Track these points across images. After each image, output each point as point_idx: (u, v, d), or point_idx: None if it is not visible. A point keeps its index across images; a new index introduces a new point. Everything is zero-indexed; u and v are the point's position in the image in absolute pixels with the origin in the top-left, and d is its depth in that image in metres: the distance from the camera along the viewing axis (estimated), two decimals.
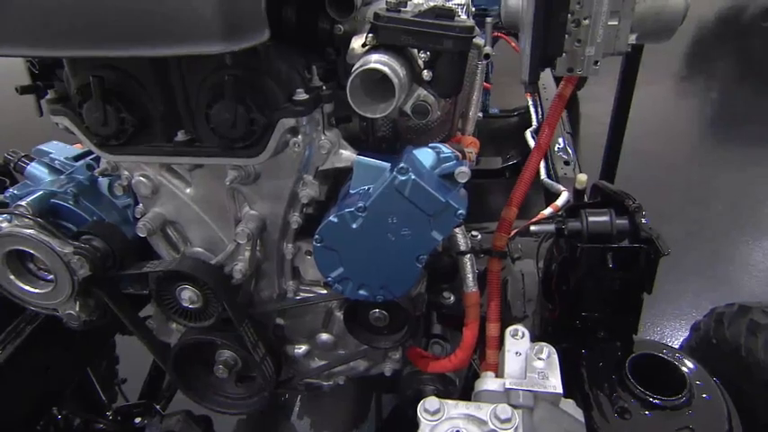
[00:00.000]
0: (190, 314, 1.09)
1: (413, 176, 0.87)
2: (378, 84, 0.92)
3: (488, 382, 0.92)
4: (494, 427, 0.81)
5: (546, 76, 2.83)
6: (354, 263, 0.96)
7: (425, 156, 0.93)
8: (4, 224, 1.05)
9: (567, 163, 2.09)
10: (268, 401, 1.18)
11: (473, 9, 1.25)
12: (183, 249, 1.13)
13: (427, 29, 0.93)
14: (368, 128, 1.20)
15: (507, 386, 0.89)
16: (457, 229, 1.24)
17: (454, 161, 0.95)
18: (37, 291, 1.08)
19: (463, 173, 0.91)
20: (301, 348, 1.24)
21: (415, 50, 0.98)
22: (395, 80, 0.91)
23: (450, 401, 0.86)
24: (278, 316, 1.21)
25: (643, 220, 0.99)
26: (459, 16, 0.98)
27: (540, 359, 0.92)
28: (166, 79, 0.93)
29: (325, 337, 1.22)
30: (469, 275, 1.23)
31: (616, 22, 1.01)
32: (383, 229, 0.91)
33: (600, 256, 1.01)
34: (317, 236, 0.95)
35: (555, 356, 0.93)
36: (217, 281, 1.05)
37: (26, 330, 1.31)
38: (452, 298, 1.34)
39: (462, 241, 1.24)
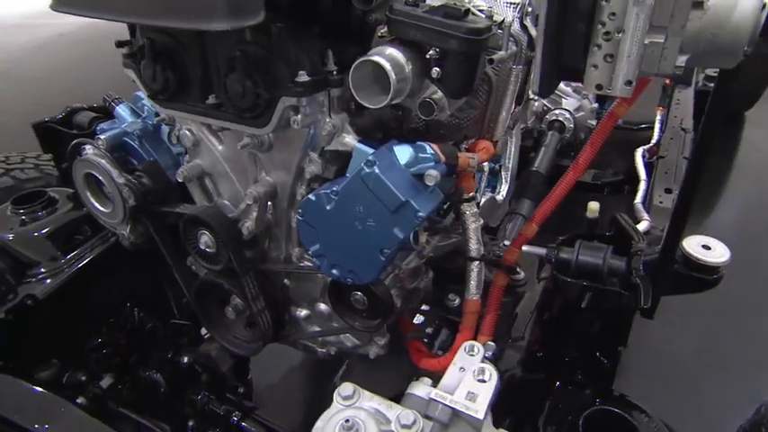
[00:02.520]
0: (206, 256, 1.24)
1: (376, 170, 0.88)
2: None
3: (418, 387, 0.92)
4: (393, 430, 0.82)
5: (687, 91, 2.49)
6: (328, 242, 1.01)
7: (403, 152, 0.94)
8: (90, 151, 1.29)
9: (668, 191, 1.85)
10: (259, 350, 1.30)
11: (529, 9, 1.17)
12: (216, 200, 1.28)
13: (433, 26, 0.92)
14: (401, 117, 1.22)
15: (431, 396, 0.88)
16: (472, 234, 1.22)
17: (432, 162, 0.94)
18: (103, 210, 1.32)
19: (431, 176, 0.90)
20: (302, 312, 1.34)
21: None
22: (392, 76, 0.93)
23: (367, 393, 0.88)
24: (285, 277, 1.31)
25: (640, 266, 0.87)
26: (478, 16, 0.95)
27: (478, 381, 0.90)
28: (203, 48, 1.05)
29: (322, 306, 1.29)
30: (473, 282, 1.21)
31: (661, 40, 0.89)
32: (352, 216, 0.95)
33: (578, 293, 0.91)
34: (299, 209, 1.02)
35: (494, 383, 0.89)
36: (226, 232, 1.17)
37: (111, 240, 1.60)
38: (457, 301, 1.32)
39: (474, 247, 1.21)
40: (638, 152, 2.16)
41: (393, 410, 0.85)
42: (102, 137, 1.28)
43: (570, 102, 2.40)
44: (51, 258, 1.57)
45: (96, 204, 1.33)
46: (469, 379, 0.90)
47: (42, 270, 1.55)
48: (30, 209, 1.59)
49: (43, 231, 1.59)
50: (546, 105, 2.46)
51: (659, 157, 2.07)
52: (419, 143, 0.98)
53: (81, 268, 1.57)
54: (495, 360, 0.98)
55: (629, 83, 0.92)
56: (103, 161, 1.24)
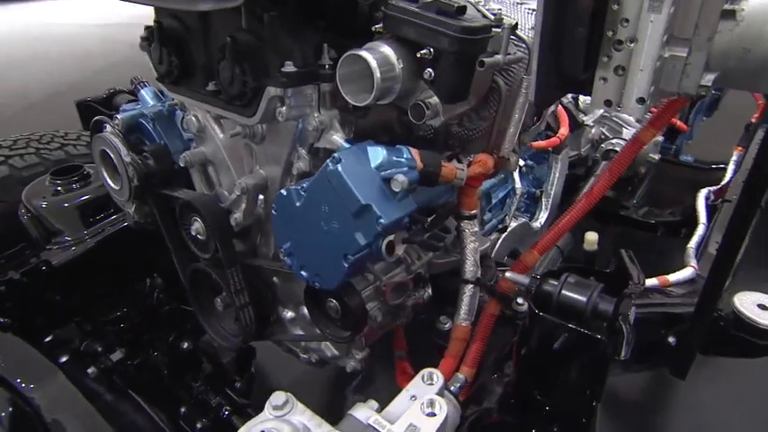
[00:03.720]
0: (197, 244, 1.23)
1: (339, 168, 0.82)
2: None
3: (360, 410, 0.84)
4: None
5: None
6: (298, 241, 0.96)
7: (375, 154, 0.87)
8: (108, 129, 1.33)
9: None
10: (239, 345, 1.27)
11: None
12: (216, 189, 1.28)
13: (424, 23, 0.85)
14: (409, 123, 1.16)
15: (369, 422, 0.80)
16: (469, 254, 1.13)
17: (405, 168, 0.86)
18: (114, 186, 1.35)
19: (397, 181, 0.82)
20: (288, 314, 1.29)
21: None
22: (376, 73, 0.87)
23: (301, 406, 0.82)
24: (274, 275, 1.28)
25: (631, 313, 0.74)
26: (483, 14, 0.88)
27: (426, 414, 0.80)
28: (206, 34, 1.05)
29: (306, 310, 1.24)
30: (464, 307, 1.12)
31: (683, 54, 0.77)
32: (318, 216, 0.89)
33: (553, 333, 0.79)
34: (273, 204, 0.98)
35: (442, 419, 0.79)
36: (215, 221, 1.16)
37: None
38: (449, 325, 1.22)
39: (470, 269, 1.12)
40: (702, 193, 1.94)
41: (321, 429, 0.78)
42: (119, 116, 1.32)
43: (632, 132, 2.22)
44: (76, 229, 1.64)
45: (109, 181, 1.36)
46: (416, 410, 0.80)
47: (66, 239, 1.63)
48: (66, 180, 1.68)
49: (74, 203, 1.67)
50: (604, 133, 2.28)
51: (724, 201, 1.84)
52: (398, 146, 0.91)
53: (101, 241, 1.64)
54: (456, 394, 0.88)
55: (641, 100, 0.80)
56: (116, 140, 1.28)
